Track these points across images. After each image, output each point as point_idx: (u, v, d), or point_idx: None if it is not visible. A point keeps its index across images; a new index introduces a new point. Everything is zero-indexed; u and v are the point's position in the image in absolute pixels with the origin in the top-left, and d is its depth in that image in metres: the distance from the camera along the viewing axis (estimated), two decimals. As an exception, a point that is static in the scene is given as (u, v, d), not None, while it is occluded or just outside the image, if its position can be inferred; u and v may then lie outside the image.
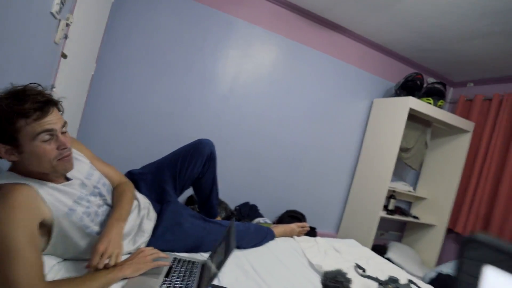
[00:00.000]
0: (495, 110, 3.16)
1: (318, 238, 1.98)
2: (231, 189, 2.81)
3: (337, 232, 3.32)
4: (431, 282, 2.33)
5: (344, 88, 3.20)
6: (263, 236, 1.68)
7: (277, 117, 2.96)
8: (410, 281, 1.63)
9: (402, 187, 3.30)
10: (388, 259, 3.06)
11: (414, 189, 3.60)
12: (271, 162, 2.98)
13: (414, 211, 3.55)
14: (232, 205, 2.79)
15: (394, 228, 3.67)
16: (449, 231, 3.34)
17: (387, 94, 3.34)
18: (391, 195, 3.17)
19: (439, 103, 3.00)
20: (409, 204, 3.65)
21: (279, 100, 2.95)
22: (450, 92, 3.79)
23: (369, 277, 1.57)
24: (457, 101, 3.59)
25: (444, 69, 3.48)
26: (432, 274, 2.40)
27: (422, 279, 2.44)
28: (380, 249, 3.28)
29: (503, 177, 2.94)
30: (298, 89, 3.02)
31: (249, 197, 2.92)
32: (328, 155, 3.21)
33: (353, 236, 3.02)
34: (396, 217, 3.15)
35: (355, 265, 1.68)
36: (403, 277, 1.69)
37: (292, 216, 2.97)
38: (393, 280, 1.55)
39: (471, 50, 2.89)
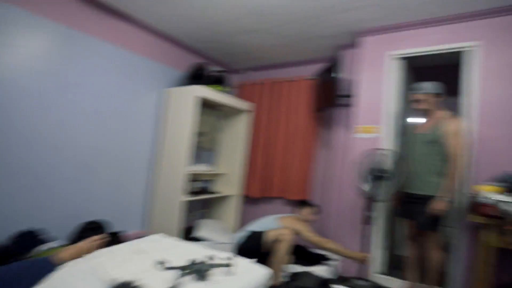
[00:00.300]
0: (264, 91, 3.93)
1: (115, 247, 1.81)
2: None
3: (145, 228, 3.22)
4: (243, 240, 2.57)
5: (134, 79, 3.04)
6: (35, 273, 1.33)
7: (57, 118, 2.46)
8: (209, 256, 1.79)
9: (202, 168, 3.57)
10: (199, 238, 3.29)
11: (214, 167, 3.99)
12: (56, 173, 2.49)
13: (216, 187, 3.95)
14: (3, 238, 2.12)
15: (201, 206, 3.96)
16: (244, 196, 3.96)
17: (178, 83, 3.43)
18: (193, 178, 3.36)
19: (223, 89, 3.38)
20: (212, 181, 4.02)
21: (57, 98, 2.46)
22: (233, 78, 4.37)
23: (170, 268, 1.59)
24: (238, 86, 4.20)
25: (226, 58, 3.95)
26: (243, 233, 2.69)
27: (235, 242, 2.67)
28: (192, 230, 3.47)
29: (273, 146, 3.74)
30: (81, 84, 2.62)
31: (31, 221, 2.32)
32: (125, 152, 3.02)
33: (163, 227, 3.03)
34: (200, 197, 3.39)
35: (157, 261, 1.66)
36: (207, 254, 1.82)
37: (92, 228, 2.63)
38: (193, 263, 1.63)
39: (243, 43, 3.39)
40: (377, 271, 2.81)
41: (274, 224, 2.55)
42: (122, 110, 2.96)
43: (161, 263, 1.63)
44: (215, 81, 3.36)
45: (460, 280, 2.40)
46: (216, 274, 1.62)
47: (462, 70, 2.62)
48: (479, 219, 2.00)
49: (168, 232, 2.93)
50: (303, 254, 2.92)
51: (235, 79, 4.36)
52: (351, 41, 3.18)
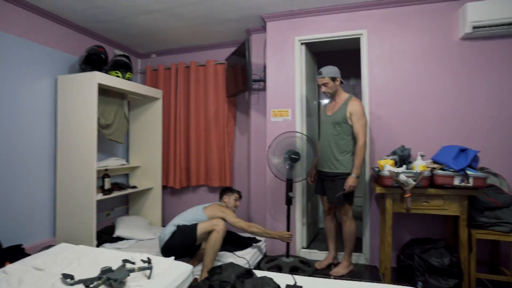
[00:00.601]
0: (174, 77, 3.73)
1: (8, 267, 1.56)
2: None
3: (54, 236, 2.86)
4: (170, 236, 2.43)
5: (18, 66, 2.56)
6: None
7: None
8: (125, 261, 1.68)
9: (114, 162, 3.29)
10: (120, 237, 3.08)
11: (127, 161, 3.72)
12: None
13: (132, 181, 3.70)
14: None
15: (118, 204, 3.70)
16: (164, 188, 3.82)
17: (73, 70, 3.02)
18: (105, 174, 3.08)
19: (127, 75, 3.10)
20: (127, 176, 3.75)
21: None
22: (139, 63, 4.04)
23: (78, 282, 1.45)
24: (145, 71, 3.90)
25: (128, 41, 3.60)
26: (170, 229, 2.56)
27: (162, 239, 2.54)
28: (109, 230, 3.23)
29: (190, 133, 3.65)
30: None
31: None
32: (19, 151, 2.57)
33: (74, 232, 2.74)
34: (115, 194, 3.14)
35: (61, 276, 1.49)
36: (123, 259, 1.71)
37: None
38: (105, 271, 1.52)
39: (144, 24, 3.12)
40: (303, 246, 3.07)
41: (201, 214, 2.53)
42: (7, 102, 2.48)
43: (67, 277, 1.47)
44: (116, 66, 3.05)
45: (370, 244, 2.80)
46: (134, 280, 1.54)
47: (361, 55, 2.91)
48: (381, 190, 2.31)
49: (82, 236, 2.70)
50: (231, 239, 2.99)
51: (142, 64, 4.05)
52: (260, 26, 3.23)
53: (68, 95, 2.79)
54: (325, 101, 2.88)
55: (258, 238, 3.10)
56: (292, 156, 2.57)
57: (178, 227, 2.44)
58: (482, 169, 2.40)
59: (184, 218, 2.51)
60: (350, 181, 2.41)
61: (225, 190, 2.81)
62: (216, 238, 2.30)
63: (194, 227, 2.38)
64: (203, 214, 2.52)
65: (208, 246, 2.31)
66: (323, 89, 2.56)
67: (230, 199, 2.74)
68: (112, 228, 3.23)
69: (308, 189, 3.14)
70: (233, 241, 2.96)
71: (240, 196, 2.82)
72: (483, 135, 2.54)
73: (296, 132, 2.69)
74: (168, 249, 2.38)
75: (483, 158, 2.36)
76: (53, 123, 2.86)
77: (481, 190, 2.14)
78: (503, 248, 2.44)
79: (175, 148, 3.72)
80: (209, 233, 2.33)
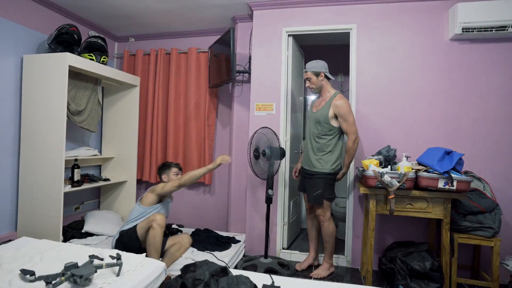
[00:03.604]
0: (153, 64, 3.66)
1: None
2: None
3: (16, 230, 2.76)
4: (117, 244, 2.47)
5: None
6: None
7: None
8: (92, 257, 1.64)
9: (85, 152, 3.20)
10: (89, 232, 3.01)
11: (100, 151, 3.63)
12: None
13: (105, 173, 3.62)
14: None
15: (88, 197, 3.60)
16: (139, 181, 3.75)
17: (41, 50, 2.90)
18: (74, 164, 2.99)
19: (102, 59, 3.01)
20: (99, 167, 3.66)
21: None
22: (116, 47, 3.94)
23: (38, 279, 1.40)
24: (122, 56, 3.81)
25: (104, 22, 3.50)
26: (116, 236, 2.54)
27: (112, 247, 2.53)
28: (77, 225, 3.15)
29: (169, 124, 3.60)
30: None
31: None
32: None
33: (38, 226, 2.65)
34: (85, 186, 3.06)
35: (20, 272, 1.44)
36: (91, 254, 1.67)
37: None
38: (69, 267, 1.48)
39: (121, 4, 3.03)
40: (283, 247, 3.09)
41: (139, 209, 2.52)
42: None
43: (27, 273, 1.42)
44: (90, 49, 2.96)
45: (352, 246, 2.85)
46: (101, 277, 1.51)
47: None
48: (365, 190, 2.36)
49: (46, 231, 2.61)
50: (209, 238, 2.98)
51: (119, 48, 3.95)
52: (247, 14, 3.21)
53: (35, 76, 2.69)
54: (312, 97, 2.90)
55: (237, 238, 3.10)
56: (255, 153, 2.62)
57: (121, 234, 2.47)
58: (466, 173, 2.49)
59: (129, 220, 2.54)
60: (340, 176, 2.56)
61: (160, 168, 2.74)
62: (153, 236, 2.29)
63: (133, 230, 2.40)
64: (141, 208, 2.53)
65: (148, 245, 2.31)
66: (307, 84, 2.58)
67: (169, 175, 2.67)
68: (81, 223, 3.16)
69: (291, 187, 3.17)
70: (211, 240, 2.95)
71: (180, 169, 2.74)
72: (469, 138, 2.63)
73: (265, 127, 2.70)
74: None
75: (467, 161, 2.45)
76: (18, 106, 2.75)
77: (464, 194, 2.22)
78: (484, 253, 2.55)
79: (152, 140, 3.66)
80: (149, 230, 2.32)
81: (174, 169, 2.71)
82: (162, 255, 2.50)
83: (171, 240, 2.61)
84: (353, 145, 2.45)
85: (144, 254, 1.83)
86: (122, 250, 2.27)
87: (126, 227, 2.49)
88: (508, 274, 2.24)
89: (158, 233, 2.30)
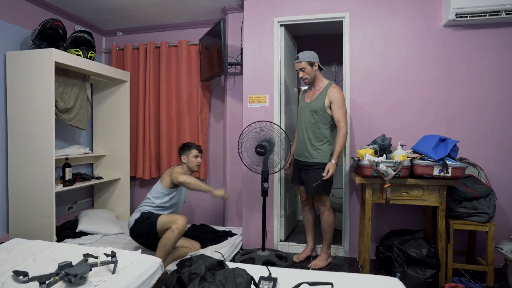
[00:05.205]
0: (143, 58, 3.62)
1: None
2: None
3: (7, 232, 2.74)
4: (134, 224, 2.47)
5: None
6: None
7: None
8: (86, 255, 1.64)
9: (76, 151, 3.17)
10: (84, 232, 3.00)
11: (91, 149, 3.60)
12: None
13: (97, 171, 3.59)
14: None
15: (81, 196, 3.58)
16: (132, 178, 3.74)
17: (25, 46, 2.85)
18: (65, 163, 2.97)
19: (90, 54, 2.97)
20: (91, 165, 3.64)
21: None
22: (103, 42, 3.89)
23: (31, 279, 1.40)
24: (110, 51, 3.76)
25: (90, 16, 3.43)
26: (136, 215, 2.57)
27: (129, 226, 2.53)
28: (71, 225, 3.14)
29: (161, 120, 3.57)
30: None
31: None
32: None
33: (31, 228, 2.64)
34: (78, 185, 3.04)
35: (13, 273, 1.44)
36: (85, 253, 1.67)
37: None
38: (63, 266, 1.47)
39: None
40: (281, 239, 3.11)
41: (160, 188, 2.55)
42: None
43: (20, 274, 1.42)
44: (77, 44, 2.91)
45: (349, 236, 2.88)
46: (97, 275, 1.51)
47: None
48: (361, 180, 2.37)
49: (39, 232, 2.59)
50: (205, 233, 2.99)
51: (107, 43, 3.89)
52: (237, 4, 3.18)
53: (20, 74, 2.64)
54: (305, 87, 2.90)
55: (233, 231, 3.12)
56: (258, 149, 2.54)
57: (143, 214, 2.47)
58: (461, 160, 2.51)
59: (150, 197, 2.55)
60: (331, 169, 2.43)
61: (181, 149, 2.72)
62: (169, 238, 2.28)
63: (155, 220, 2.39)
64: (161, 187, 2.55)
65: (160, 243, 2.31)
66: (301, 74, 2.57)
67: (189, 157, 2.65)
68: (74, 223, 3.14)
69: (286, 180, 3.18)
70: (207, 234, 2.96)
71: (200, 151, 2.71)
72: (463, 125, 2.66)
73: (267, 121, 2.66)
74: (135, 236, 2.50)
75: (462, 148, 2.48)
76: (3, 105, 2.70)
77: (459, 180, 2.25)
78: (480, 238, 2.60)
79: (144, 136, 3.63)
80: (168, 229, 2.31)
81: (194, 151, 2.66)
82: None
83: (185, 242, 2.62)
84: (344, 136, 2.45)
85: (140, 250, 1.83)
86: (139, 232, 2.41)
87: (148, 209, 2.50)
88: (503, 258, 2.28)
89: (175, 237, 2.28)
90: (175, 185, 2.55)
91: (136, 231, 2.46)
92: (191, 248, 2.63)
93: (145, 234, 2.41)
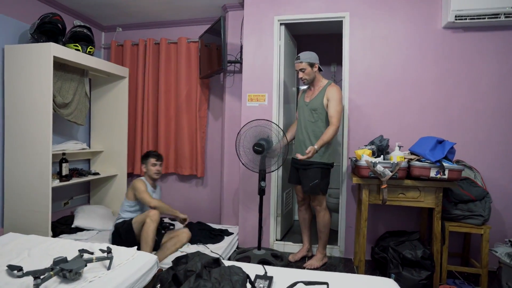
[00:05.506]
0: (142, 54, 3.61)
1: None
2: None
3: (2, 226, 2.73)
4: (115, 233, 2.58)
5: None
6: None
7: None
8: (82, 251, 1.64)
9: (73, 146, 3.17)
10: (79, 228, 3.01)
11: (89, 145, 3.59)
12: None
13: (94, 167, 3.59)
14: None
15: (78, 192, 3.58)
16: (130, 175, 3.73)
17: (23, 40, 2.84)
18: (62, 158, 2.96)
19: (89, 49, 2.96)
20: (88, 161, 3.63)
21: None
22: (103, 37, 3.87)
23: (26, 274, 1.40)
24: (110, 46, 3.74)
25: (90, 11, 3.42)
26: (112, 230, 2.66)
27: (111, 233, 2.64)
28: (67, 220, 3.13)
29: (160, 117, 3.57)
30: None
31: None
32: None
33: (26, 222, 2.63)
34: (74, 180, 3.03)
35: (7, 268, 1.43)
36: (80, 248, 1.67)
37: None
38: (58, 262, 1.47)
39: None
40: (277, 239, 3.12)
41: (125, 203, 2.67)
42: None
43: (14, 269, 1.41)
44: (76, 39, 2.90)
45: (345, 236, 2.89)
46: (92, 271, 1.51)
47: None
48: (358, 180, 2.37)
49: (35, 227, 2.59)
50: (202, 231, 2.99)
51: (107, 38, 3.88)
52: (238, 2, 3.18)
53: (18, 68, 2.63)
54: (304, 87, 2.90)
55: (230, 230, 3.12)
56: (255, 147, 2.52)
57: (116, 227, 2.58)
58: (457, 162, 2.53)
59: (121, 213, 2.67)
60: (311, 152, 2.31)
61: (141, 158, 2.80)
62: (147, 231, 2.36)
63: (129, 223, 2.51)
64: (127, 201, 2.65)
65: (142, 240, 2.38)
66: (301, 75, 2.57)
67: (148, 166, 2.70)
68: (70, 218, 3.14)
69: (284, 179, 3.18)
70: (204, 232, 2.96)
71: (159, 159, 2.74)
72: (461, 127, 2.67)
73: (265, 120, 2.65)
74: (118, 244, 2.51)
75: (458, 150, 2.49)
76: (0, 99, 2.69)
77: (456, 182, 2.26)
78: (474, 240, 2.61)
79: (143, 133, 3.63)
80: (143, 225, 2.41)
81: (152, 160, 2.70)
82: (157, 248, 2.54)
83: (169, 234, 2.67)
84: (334, 130, 2.41)
85: (136, 247, 1.83)
86: (119, 243, 2.40)
87: (120, 220, 2.60)
88: (497, 261, 2.30)
89: (151, 228, 2.36)
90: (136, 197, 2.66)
91: (116, 242, 2.50)
92: (179, 237, 2.65)
93: (127, 241, 2.43)
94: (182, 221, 2.71)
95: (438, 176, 2.19)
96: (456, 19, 2.52)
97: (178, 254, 2.52)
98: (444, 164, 2.19)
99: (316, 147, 2.37)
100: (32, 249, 1.67)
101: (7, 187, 2.69)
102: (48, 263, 1.51)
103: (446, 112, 2.69)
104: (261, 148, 2.52)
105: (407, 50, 2.75)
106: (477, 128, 2.65)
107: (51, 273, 1.37)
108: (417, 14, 2.72)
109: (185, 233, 2.71)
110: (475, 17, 2.50)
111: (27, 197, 2.63)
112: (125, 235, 2.50)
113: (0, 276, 1.37)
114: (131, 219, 2.54)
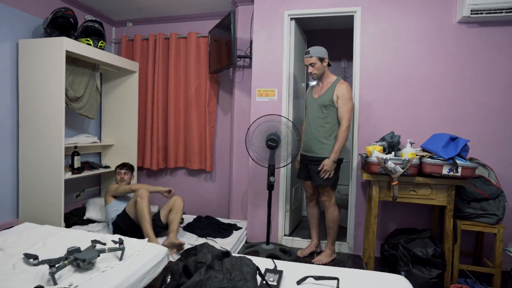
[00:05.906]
0: (152, 49, 3.64)
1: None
2: None
3: (17, 217, 2.80)
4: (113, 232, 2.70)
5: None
6: None
7: None
8: (94, 241, 1.68)
9: (85, 139, 3.22)
10: (91, 219, 3.07)
11: (100, 138, 3.64)
12: None
13: (105, 160, 3.64)
14: None
15: (89, 184, 3.64)
16: (140, 169, 3.78)
17: (37, 34, 2.89)
18: (74, 151, 3.01)
19: (100, 43, 2.99)
20: (99, 155, 3.69)
21: None
22: (113, 32, 3.91)
23: (41, 262, 1.44)
24: (120, 41, 3.78)
25: (101, 6, 3.45)
26: (111, 229, 2.78)
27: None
28: (78, 212, 3.19)
29: (169, 111, 3.60)
30: None
31: None
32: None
33: (39, 213, 2.69)
34: (86, 173, 3.09)
35: (24, 256, 1.47)
36: (93, 239, 1.70)
37: None
38: (72, 251, 1.51)
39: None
40: (285, 234, 3.13)
41: (108, 208, 2.81)
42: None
43: (30, 257, 1.46)
44: (88, 33, 2.93)
45: (354, 232, 2.89)
46: (104, 261, 1.54)
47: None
48: (368, 177, 2.37)
49: (48, 218, 2.65)
50: (210, 225, 3.02)
51: (117, 33, 3.92)
52: (248, -4, 3.17)
53: (32, 62, 2.68)
54: (313, 83, 2.89)
55: (238, 225, 3.14)
56: (269, 142, 2.54)
57: (114, 225, 2.69)
58: (471, 160, 2.49)
59: (108, 217, 2.80)
60: (327, 164, 2.47)
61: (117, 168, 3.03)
62: (140, 207, 2.46)
63: (124, 213, 2.63)
64: (108, 207, 2.80)
65: (139, 219, 2.46)
66: (310, 69, 2.57)
67: (116, 177, 2.97)
68: (82, 210, 3.20)
69: (293, 174, 3.19)
70: (212, 227, 2.99)
71: (122, 166, 2.98)
72: (474, 124, 2.63)
73: (277, 115, 2.66)
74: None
75: (472, 148, 2.46)
76: (14, 93, 2.75)
77: (469, 180, 2.23)
78: (487, 239, 2.58)
79: (152, 127, 3.67)
80: (136, 203, 2.51)
81: (117, 171, 2.99)
82: (166, 227, 2.65)
83: (165, 210, 2.71)
84: (346, 131, 2.47)
85: (147, 239, 1.86)
86: (120, 232, 2.56)
87: (113, 219, 2.72)
88: (511, 261, 2.27)
89: (144, 203, 2.46)
90: (114, 196, 2.83)
91: (121, 232, 2.62)
92: (174, 206, 2.68)
93: (126, 230, 2.59)
94: (167, 193, 2.76)
95: (451, 173, 2.17)
96: (471, 14, 2.48)
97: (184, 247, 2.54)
98: (458, 161, 2.16)
99: (331, 159, 2.48)
100: (47, 238, 1.71)
101: (22, 179, 2.75)
102: (62, 253, 1.55)
103: (459, 108, 2.65)
104: (274, 143, 2.52)
105: (420, 45, 2.71)
106: (491, 125, 2.61)
107: (66, 262, 1.40)
108: (430, 8, 2.68)
109: (178, 199, 2.72)
110: (492, 11, 2.45)
111: (41, 189, 2.69)
112: (125, 225, 2.59)
113: (17, 264, 1.41)
114: (124, 210, 2.65)
